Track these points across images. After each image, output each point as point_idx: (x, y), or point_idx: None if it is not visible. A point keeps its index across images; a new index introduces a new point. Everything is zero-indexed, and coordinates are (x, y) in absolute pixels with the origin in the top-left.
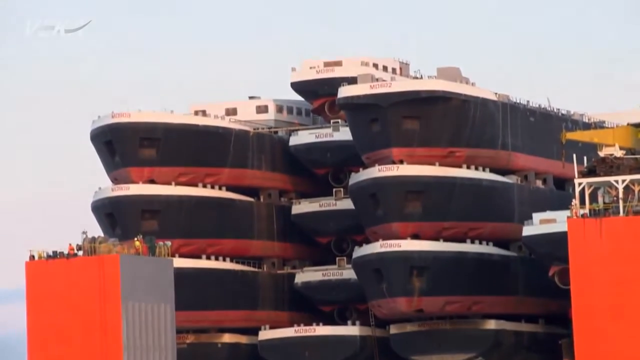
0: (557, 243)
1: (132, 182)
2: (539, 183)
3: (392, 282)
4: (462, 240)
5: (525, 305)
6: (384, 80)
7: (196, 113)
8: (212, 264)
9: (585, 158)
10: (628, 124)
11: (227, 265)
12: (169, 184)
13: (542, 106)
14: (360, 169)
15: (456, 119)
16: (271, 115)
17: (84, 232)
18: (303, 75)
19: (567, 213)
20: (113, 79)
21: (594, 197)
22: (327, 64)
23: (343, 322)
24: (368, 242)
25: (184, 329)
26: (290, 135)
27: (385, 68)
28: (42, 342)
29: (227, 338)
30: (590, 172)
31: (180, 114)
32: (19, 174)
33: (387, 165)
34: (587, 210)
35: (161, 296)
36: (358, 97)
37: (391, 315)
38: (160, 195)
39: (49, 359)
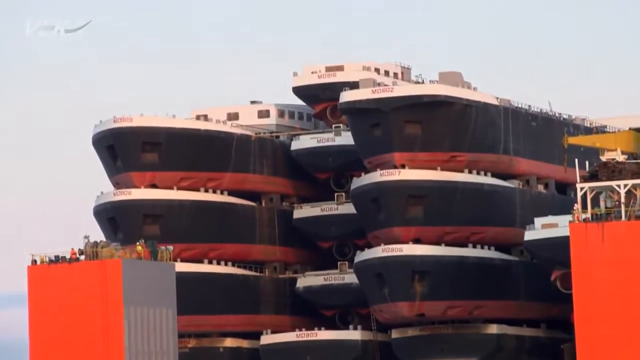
0: (559, 248)
1: (134, 186)
2: (540, 188)
3: (393, 286)
4: (464, 245)
5: (527, 310)
6: (385, 85)
7: (198, 118)
8: (213, 268)
9: (587, 163)
10: (630, 129)
11: (229, 269)
12: (171, 188)
13: (544, 111)
14: (362, 174)
15: (458, 124)
16: (273, 119)
17: (86, 237)
18: (305, 80)
19: (569, 218)
20: (114, 82)
21: (596, 202)
22: (328, 69)
23: (345, 327)
24: (370, 246)
25: (185, 334)
26: (291, 139)
27: (386, 73)
28: (44, 346)
29: (229, 342)
30: (592, 177)
31: (182, 119)
32: (20, 178)
33: (388, 170)
34: (589, 215)
35: (163, 300)
36: (360, 101)
37: (393, 319)
38: (162, 200)
39: None
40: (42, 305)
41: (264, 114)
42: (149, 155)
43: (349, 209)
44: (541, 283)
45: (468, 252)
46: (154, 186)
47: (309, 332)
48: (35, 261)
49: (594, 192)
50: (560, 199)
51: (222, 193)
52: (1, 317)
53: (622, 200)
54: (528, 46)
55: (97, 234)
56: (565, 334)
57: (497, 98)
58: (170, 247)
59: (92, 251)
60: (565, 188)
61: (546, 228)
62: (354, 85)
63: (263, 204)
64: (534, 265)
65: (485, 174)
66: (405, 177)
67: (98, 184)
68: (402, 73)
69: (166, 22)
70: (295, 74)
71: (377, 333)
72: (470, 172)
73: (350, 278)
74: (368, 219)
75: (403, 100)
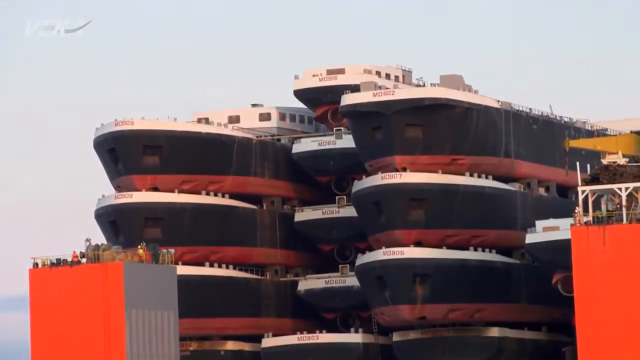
0: (560, 251)
1: (135, 189)
2: (542, 191)
3: (395, 289)
4: (465, 248)
5: (528, 313)
6: (386, 88)
7: (199, 121)
8: (215, 271)
9: (588, 166)
10: (631, 132)
11: (230, 272)
12: (172, 191)
13: (545, 114)
14: (363, 177)
15: (459, 127)
16: (274, 122)
17: (87, 240)
18: (306, 83)
19: (570, 221)
20: (114, 82)
21: (597, 205)
22: (329, 72)
23: (346, 330)
24: (371, 249)
25: (187, 337)
26: (293, 142)
27: (387, 76)
28: (46, 349)
29: (230, 345)
30: (593, 180)
31: (183, 122)
32: (21, 181)
33: (390, 173)
34: (590, 218)
35: (164, 303)
36: (361, 104)
37: (394, 322)
38: (164, 203)
39: None
40: (43, 308)
41: (265, 117)
42: (150, 159)
43: (350, 212)
44: (542, 286)
45: (469, 255)
46: (155, 189)
47: (311, 335)
48: (37, 264)
49: (595, 195)
50: (562, 202)
51: (223, 196)
52: (2, 320)
53: (624, 203)
54: (529, 49)
55: (99, 237)
56: (566, 337)
57: (498, 101)
58: (172, 250)
59: (94, 254)
60: (566, 191)
61: (547, 231)
62: (355, 88)
63: (264, 207)
64: (535, 268)
65: (487, 177)
66: (406, 180)
67: (99, 187)
68: (403, 76)
69: (166, 24)
70: (296, 77)
71: (379, 336)
72: (471, 175)
73: (352, 281)
74: (369, 222)
75: (404, 103)
